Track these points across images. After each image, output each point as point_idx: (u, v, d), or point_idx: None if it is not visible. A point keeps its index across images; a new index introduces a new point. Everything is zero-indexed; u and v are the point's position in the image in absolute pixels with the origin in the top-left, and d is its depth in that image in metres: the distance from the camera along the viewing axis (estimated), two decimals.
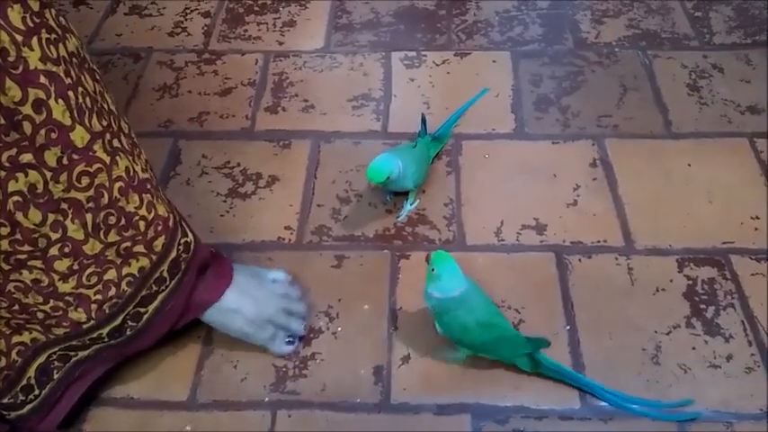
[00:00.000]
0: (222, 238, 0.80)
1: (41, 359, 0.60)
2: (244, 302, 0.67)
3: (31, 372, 0.60)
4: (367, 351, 0.70)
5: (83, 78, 0.52)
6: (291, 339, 0.69)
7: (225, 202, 0.84)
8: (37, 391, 0.60)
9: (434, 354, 0.69)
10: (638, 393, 0.65)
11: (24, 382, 0.59)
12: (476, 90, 0.95)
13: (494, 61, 1.01)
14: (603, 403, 0.65)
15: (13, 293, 0.54)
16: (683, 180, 0.84)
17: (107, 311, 0.59)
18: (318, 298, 0.74)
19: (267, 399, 0.67)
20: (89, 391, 0.65)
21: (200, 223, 0.80)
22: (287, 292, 0.71)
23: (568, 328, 0.71)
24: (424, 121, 0.85)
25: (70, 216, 0.52)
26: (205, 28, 1.09)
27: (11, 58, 0.45)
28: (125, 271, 0.58)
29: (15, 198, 0.49)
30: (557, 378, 0.66)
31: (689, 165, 0.86)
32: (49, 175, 0.49)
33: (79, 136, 0.50)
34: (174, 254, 0.62)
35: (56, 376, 0.61)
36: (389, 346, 0.70)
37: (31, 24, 0.47)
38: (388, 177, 0.75)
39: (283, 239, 0.80)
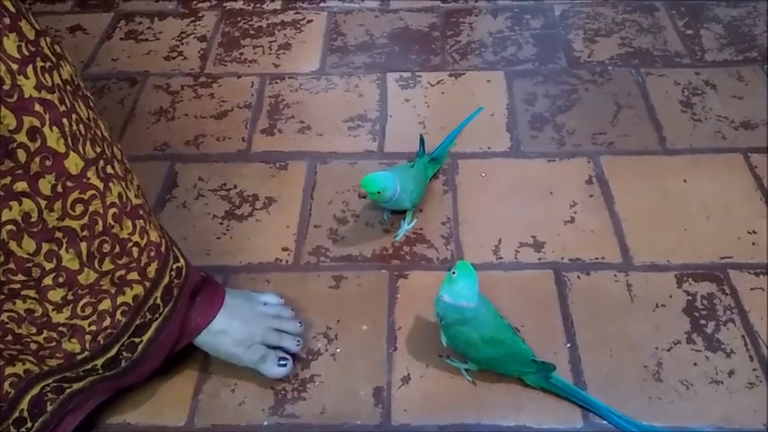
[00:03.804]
0: (219, 261, 0.79)
1: (35, 391, 0.59)
2: (232, 323, 0.66)
3: (24, 404, 0.59)
4: (366, 372, 0.69)
5: (77, 106, 0.52)
6: (284, 363, 0.67)
7: (221, 224, 0.84)
8: (29, 424, 0.59)
9: (446, 363, 0.69)
10: (641, 410, 0.65)
11: (17, 414, 0.58)
12: (471, 110, 0.96)
13: (488, 81, 1.02)
14: (606, 422, 0.65)
15: (7, 324, 0.53)
16: (679, 196, 0.84)
17: (101, 342, 0.58)
18: (317, 319, 0.74)
19: (266, 422, 0.66)
20: (84, 421, 0.64)
21: (197, 246, 0.80)
22: (279, 312, 0.70)
23: (569, 345, 0.70)
24: (422, 141, 0.85)
25: (65, 245, 0.52)
26: (201, 52, 1.10)
27: (6, 87, 0.46)
28: (120, 300, 0.58)
29: (9, 227, 0.48)
30: (562, 395, 0.66)
31: (684, 181, 0.86)
32: (43, 203, 0.49)
33: (73, 163, 0.50)
34: (166, 280, 0.61)
35: (49, 408, 0.60)
36: (389, 367, 0.69)
37: (27, 53, 0.47)
38: (379, 192, 0.75)
39: (281, 261, 0.80)
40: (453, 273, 0.63)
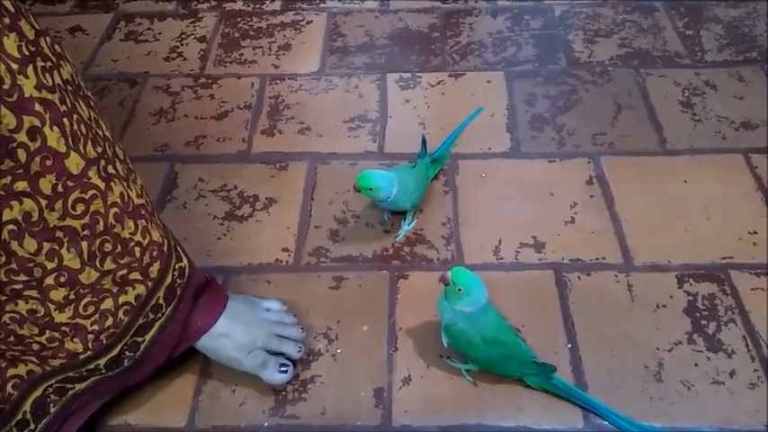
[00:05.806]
0: (220, 262, 0.79)
1: (38, 392, 0.59)
2: (234, 327, 0.66)
3: (27, 406, 0.59)
4: (367, 373, 0.69)
5: (77, 105, 0.52)
6: (285, 369, 0.67)
7: (222, 225, 0.84)
8: (32, 426, 0.59)
9: (447, 364, 0.69)
10: (642, 411, 0.65)
11: (20, 416, 0.58)
12: (471, 110, 0.96)
13: (488, 81, 1.02)
14: (607, 423, 0.64)
15: (9, 324, 0.53)
16: (679, 196, 0.84)
17: (104, 342, 0.58)
18: (317, 320, 0.73)
19: (266, 423, 0.66)
20: (86, 422, 0.64)
21: (198, 247, 0.79)
22: (281, 318, 0.70)
23: (569, 346, 0.70)
24: (424, 142, 0.85)
25: (66, 244, 0.52)
26: (201, 52, 1.09)
27: (6, 86, 0.45)
28: (122, 299, 0.58)
29: (10, 227, 0.48)
30: (563, 396, 0.66)
31: (685, 181, 0.86)
32: (44, 203, 0.49)
33: (74, 163, 0.50)
34: (169, 279, 0.61)
35: (52, 410, 0.60)
36: (390, 368, 0.69)
37: (27, 53, 0.47)
38: (371, 189, 0.75)
39: (281, 261, 0.79)
40: (460, 290, 0.62)
